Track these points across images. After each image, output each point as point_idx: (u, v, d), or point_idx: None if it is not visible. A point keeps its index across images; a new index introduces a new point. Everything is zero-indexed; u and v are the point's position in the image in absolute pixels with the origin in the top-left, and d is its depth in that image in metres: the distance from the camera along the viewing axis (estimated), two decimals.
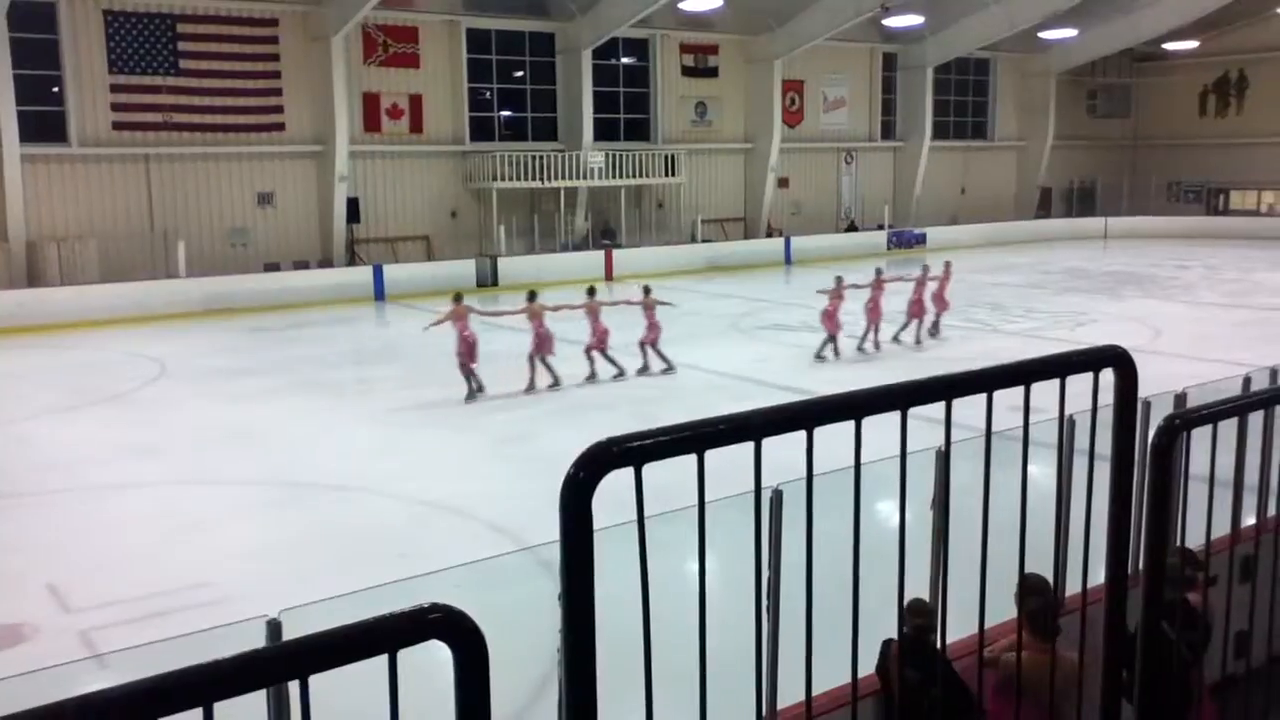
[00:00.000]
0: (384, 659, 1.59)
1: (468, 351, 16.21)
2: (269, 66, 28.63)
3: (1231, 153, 44.70)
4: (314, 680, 1.56)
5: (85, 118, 26.45)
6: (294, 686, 1.56)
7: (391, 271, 28.74)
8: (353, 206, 29.51)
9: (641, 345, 17.73)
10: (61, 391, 17.46)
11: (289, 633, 3.49)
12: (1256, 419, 5.25)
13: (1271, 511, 6.42)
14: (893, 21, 36.42)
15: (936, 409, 2.35)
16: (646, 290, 18.04)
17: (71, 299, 24.33)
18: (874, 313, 19.22)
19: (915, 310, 19.86)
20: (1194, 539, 4.78)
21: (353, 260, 29.56)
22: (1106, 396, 2.61)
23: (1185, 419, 2.78)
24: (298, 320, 24.69)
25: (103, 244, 26.29)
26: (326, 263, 29.19)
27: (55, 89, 26.26)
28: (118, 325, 23.81)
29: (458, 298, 17.06)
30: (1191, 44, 43.06)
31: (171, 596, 8.85)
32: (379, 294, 28.15)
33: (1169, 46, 43.65)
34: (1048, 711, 3.01)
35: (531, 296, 17.12)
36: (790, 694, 4.50)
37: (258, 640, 3.57)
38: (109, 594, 9.04)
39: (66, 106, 26.27)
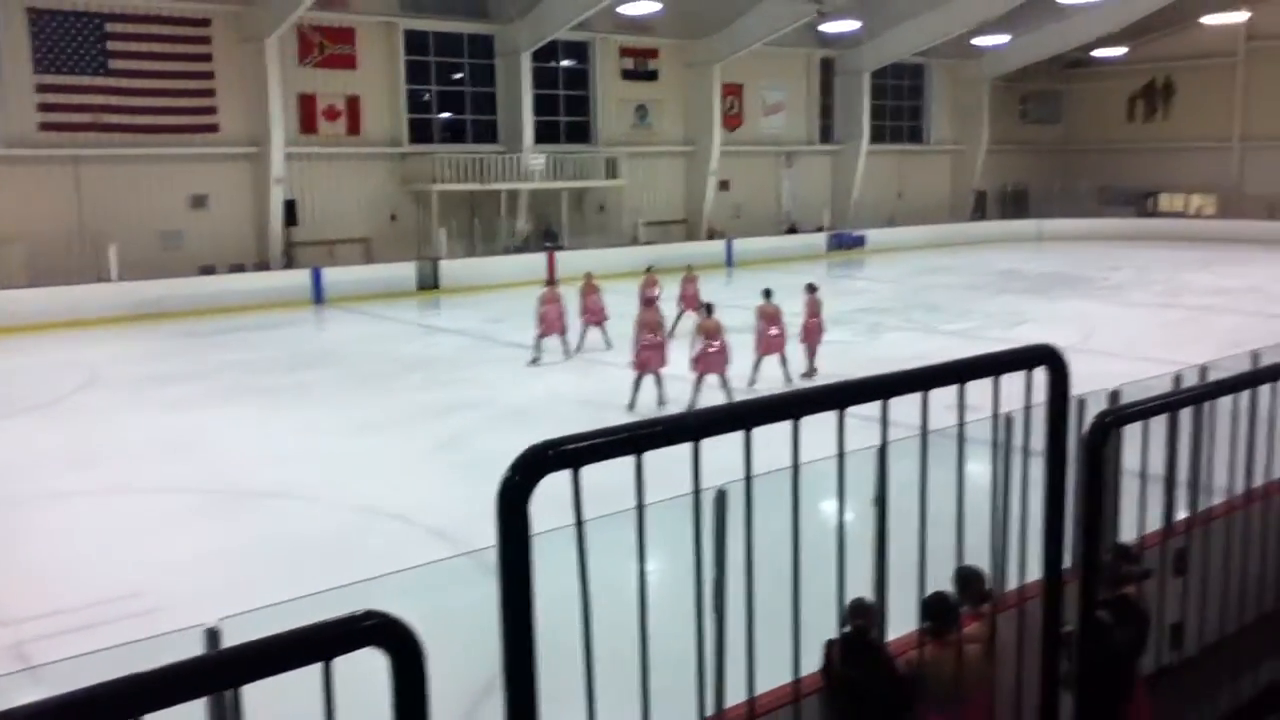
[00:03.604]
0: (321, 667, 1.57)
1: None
2: (201, 67, 28.16)
3: (1159, 157, 45.78)
4: (259, 689, 1.53)
5: (11, 118, 25.81)
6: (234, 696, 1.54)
7: (330, 274, 28.40)
8: (289, 209, 29.13)
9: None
10: None
11: (228, 642, 3.42)
12: (1187, 415, 5.36)
13: (1203, 506, 6.58)
14: (829, 27, 36.82)
15: (874, 408, 2.37)
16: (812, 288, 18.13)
17: None
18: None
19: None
20: (1128, 533, 4.88)
21: (290, 263, 29.16)
22: (1040, 395, 2.65)
23: (1117, 415, 2.84)
24: (233, 324, 24.31)
25: (30, 247, 25.63)
26: (263, 266, 28.76)
27: None
28: (46, 330, 23.26)
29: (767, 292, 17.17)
30: (1120, 51, 44.07)
31: (107, 607, 8.66)
32: (317, 297, 27.82)
33: (1098, 54, 44.61)
34: (946, 707, 3.05)
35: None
36: (735, 694, 4.51)
37: (196, 650, 3.50)
38: (41, 606, 8.82)
39: None
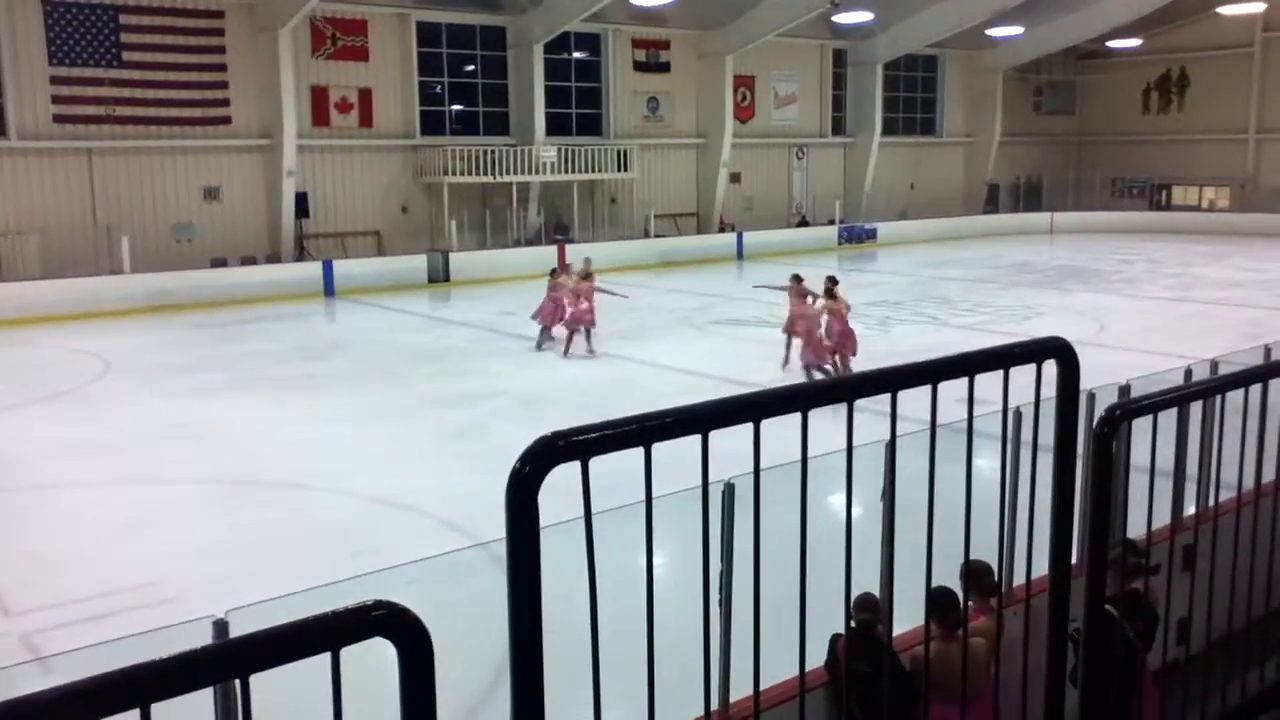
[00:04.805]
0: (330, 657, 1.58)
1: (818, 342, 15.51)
2: (215, 59, 28.21)
3: (1174, 149, 45.56)
4: (267, 679, 1.54)
5: (25, 110, 25.91)
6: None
7: (341, 267, 28.45)
8: (301, 201, 29.18)
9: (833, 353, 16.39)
10: (2, 389, 17.10)
11: (236, 633, 3.44)
12: (1196, 409, 5.35)
13: (1211, 502, 6.56)
14: (842, 18, 36.66)
15: (883, 401, 2.37)
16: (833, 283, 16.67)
17: (12, 295, 23.82)
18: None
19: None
20: (1136, 528, 4.87)
21: (301, 255, 29.23)
22: (1051, 389, 2.64)
23: (1126, 409, 2.83)
24: (245, 316, 24.38)
25: (44, 239, 25.78)
26: (274, 258, 28.83)
27: None
28: (60, 321, 23.38)
29: (797, 279, 16.19)
30: (1135, 42, 43.82)
31: (117, 598, 8.71)
32: (329, 290, 27.87)
33: (1113, 44, 44.37)
34: (959, 701, 3.05)
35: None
36: (742, 687, 4.52)
37: (204, 641, 3.52)
38: (52, 596, 8.86)
39: (4, 99, 25.72)
